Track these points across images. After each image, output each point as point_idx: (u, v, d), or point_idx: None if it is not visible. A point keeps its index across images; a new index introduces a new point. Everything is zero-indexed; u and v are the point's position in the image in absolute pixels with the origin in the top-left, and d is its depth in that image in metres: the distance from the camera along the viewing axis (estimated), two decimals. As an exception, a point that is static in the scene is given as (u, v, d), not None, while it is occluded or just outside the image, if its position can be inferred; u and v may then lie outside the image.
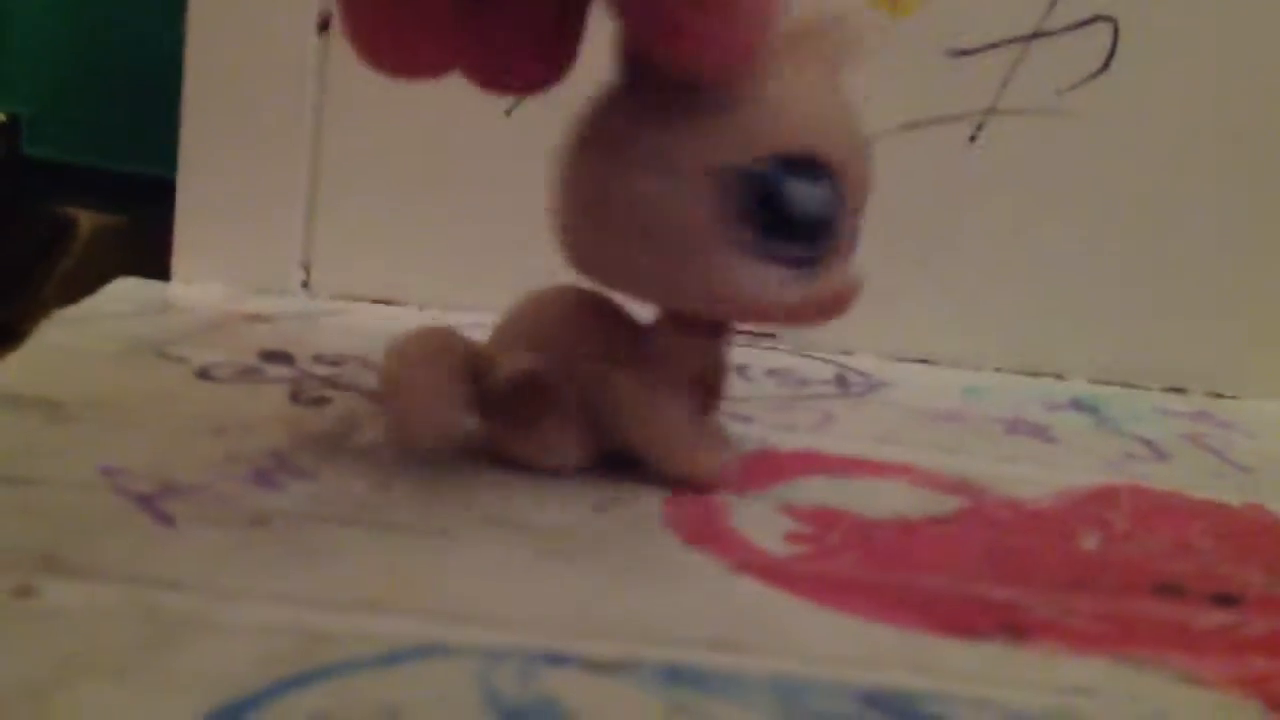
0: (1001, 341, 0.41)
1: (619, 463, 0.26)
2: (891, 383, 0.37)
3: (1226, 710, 0.19)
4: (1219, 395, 0.40)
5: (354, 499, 0.23)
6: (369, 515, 0.23)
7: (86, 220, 0.56)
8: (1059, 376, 0.41)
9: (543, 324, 0.26)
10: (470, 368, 0.25)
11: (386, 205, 0.39)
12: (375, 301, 0.39)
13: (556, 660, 0.18)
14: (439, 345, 0.25)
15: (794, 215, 0.23)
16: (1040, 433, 0.33)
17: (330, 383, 0.30)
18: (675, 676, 0.18)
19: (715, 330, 0.26)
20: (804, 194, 0.23)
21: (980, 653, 0.20)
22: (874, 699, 0.18)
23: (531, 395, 0.25)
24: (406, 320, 0.37)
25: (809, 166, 0.23)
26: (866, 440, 0.31)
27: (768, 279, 0.23)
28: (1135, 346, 0.41)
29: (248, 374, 0.30)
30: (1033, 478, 0.29)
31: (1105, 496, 0.29)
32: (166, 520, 0.22)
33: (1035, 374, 0.40)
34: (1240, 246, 0.41)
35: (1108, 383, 0.40)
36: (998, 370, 0.41)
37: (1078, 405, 0.37)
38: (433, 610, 0.20)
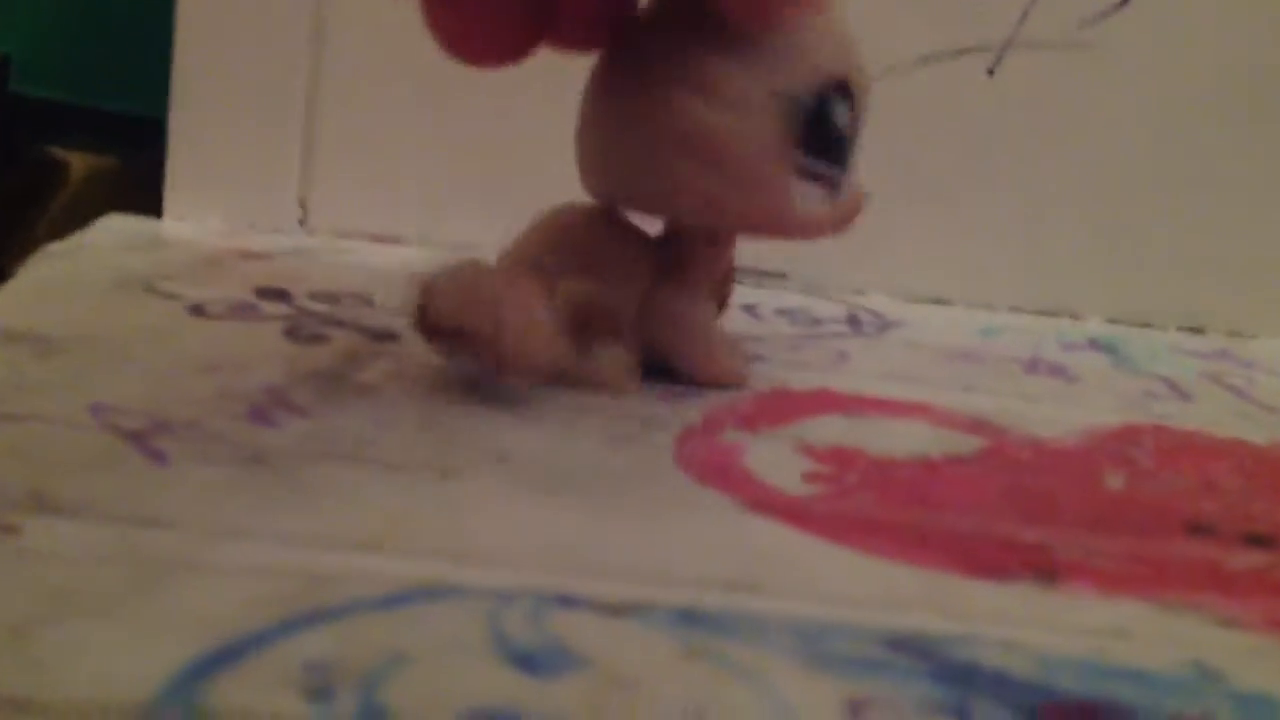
0: (1016, 281, 0.40)
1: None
2: (904, 322, 0.36)
3: (1266, 654, 0.18)
4: (1237, 334, 0.39)
5: (354, 437, 0.22)
6: (370, 453, 0.22)
7: (79, 161, 0.55)
8: (1075, 316, 0.40)
9: (580, 248, 0.26)
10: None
11: (386, 140, 0.38)
12: (375, 239, 0.38)
13: (567, 602, 0.18)
14: (510, 279, 0.25)
15: (834, 136, 0.25)
16: (1059, 372, 0.33)
17: (328, 320, 0.29)
18: (691, 619, 0.18)
19: (730, 238, 0.27)
20: (842, 116, 0.25)
21: (1009, 594, 0.19)
22: (899, 642, 0.18)
23: (596, 319, 0.26)
24: (407, 258, 0.36)
25: (844, 90, 0.24)
26: (882, 379, 0.30)
27: (810, 197, 0.25)
28: (1152, 286, 0.40)
29: (242, 310, 0.29)
30: (1054, 417, 0.28)
31: (1128, 436, 0.28)
32: (158, 458, 0.21)
33: (1051, 314, 0.39)
34: (1260, 184, 0.40)
35: (1125, 323, 0.39)
36: (1012, 310, 0.40)
37: (1095, 345, 0.36)
38: (438, 550, 0.19)
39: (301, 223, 0.38)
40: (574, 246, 0.26)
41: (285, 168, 0.38)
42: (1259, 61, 0.39)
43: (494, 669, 0.16)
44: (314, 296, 0.31)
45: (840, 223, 0.26)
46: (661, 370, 0.27)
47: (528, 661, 0.16)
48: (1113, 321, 0.40)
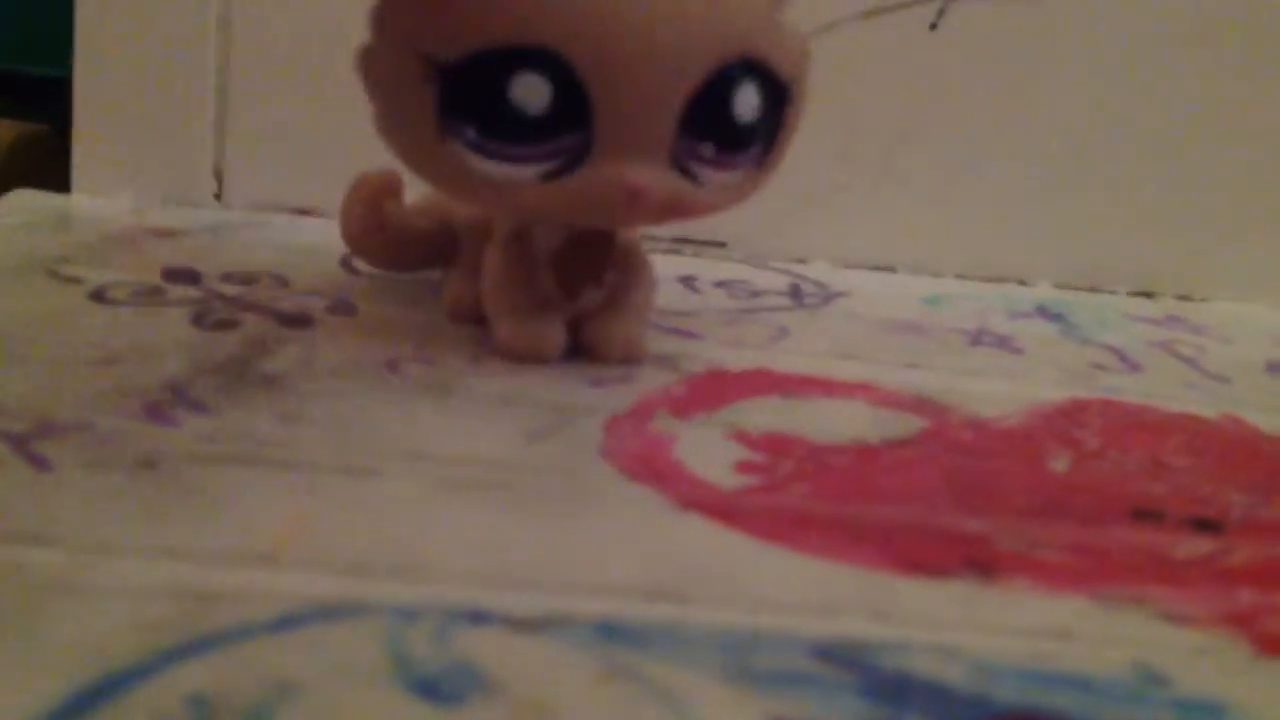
0: (963, 246, 0.39)
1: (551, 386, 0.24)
2: (848, 292, 0.35)
3: (1213, 653, 0.18)
4: (1189, 299, 0.39)
5: (257, 435, 0.21)
6: (273, 453, 0.21)
7: (6, 130, 0.53)
8: (1023, 282, 0.39)
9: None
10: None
11: (306, 105, 0.36)
12: (295, 212, 0.37)
13: (478, 618, 0.16)
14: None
15: (514, 114, 0.21)
16: (1005, 343, 0.32)
17: (239, 304, 0.28)
18: (610, 633, 0.16)
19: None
20: (530, 93, 0.21)
21: (946, 594, 0.18)
22: (829, 651, 0.17)
23: (440, 245, 0.29)
24: (328, 233, 0.35)
25: (548, 63, 0.21)
26: (822, 356, 0.29)
27: (504, 173, 0.22)
28: (1102, 249, 0.39)
29: (148, 295, 0.28)
30: (998, 393, 0.27)
31: (1074, 412, 0.27)
32: (39, 464, 0.19)
33: (998, 280, 0.39)
34: (1212, 143, 0.39)
35: (1074, 288, 0.39)
36: (959, 277, 0.39)
37: (1043, 312, 0.35)
38: (339, 563, 0.17)
39: (217, 197, 0.36)
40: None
41: (199, 138, 0.36)
42: (1208, 16, 0.38)
43: (394, 699, 0.15)
44: (226, 278, 0.29)
45: (565, 208, 0.23)
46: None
47: (431, 689, 0.15)
48: (1061, 287, 0.39)
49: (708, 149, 0.23)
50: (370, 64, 0.23)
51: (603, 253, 0.26)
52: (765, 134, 0.24)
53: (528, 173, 0.22)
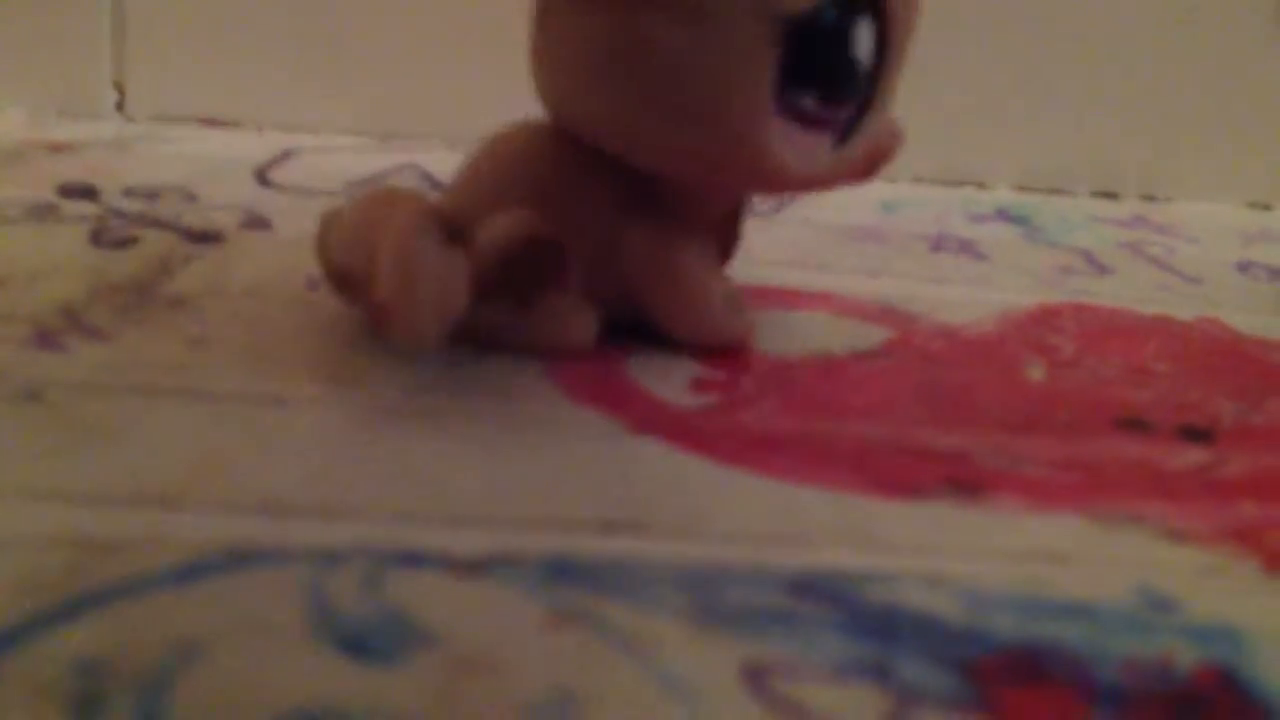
0: (918, 150, 0.37)
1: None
2: (800, 199, 0.33)
3: (1221, 572, 0.16)
4: (1153, 198, 0.37)
5: (159, 362, 0.19)
6: (177, 381, 0.18)
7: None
8: (981, 185, 0.37)
9: (528, 176, 0.21)
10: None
11: (213, 7, 0.33)
12: (203, 123, 0.34)
13: (411, 560, 0.15)
14: (421, 210, 0.18)
15: (845, 67, 0.19)
16: (968, 248, 0.30)
17: (141, 220, 0.25)
18: (561, 572, 0.15)
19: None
20: (865, 39, 0.19)
21: (927, 516, 0.17)
22: (805, 585, 0.15)
23: (532, 261, 0.20)
24: (241, 145, 0.32)
25: (874, 6, 0.19)
26: (778, 265, 0.27)
27: (811, 147, 0.19)
28: (1061, 148, 0.37)
29: (40, 212, 0.25)
30: (965, 300, 0.26)
31: (1046, 318, 0.25)
32: (-93, 401, 0.17)
33: (956, 183, 0.37)
34: (1173, 38, 0.37)
35: (1034, 189, 0.37)
36: (916, 180, 0.37)
37: (1004, 215, 0.34)
38: (252, 502, 0.15)
39: (119, 107, 0.34)
40: (526, 176, 0.20)
41: (95, 44, 0.33)
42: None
43: (315, 657, 0.13)
44: (128, 193, 0.27)
45: (849, 175, 0.21)
46: (634, 328, 0.21)
47: (358, 644, 0.13)
48: (1021, 189, 0.37)
49: None
50: (658, 31, 0.18)
51: (739, 218, 0.23)
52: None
53: (818, 140, 0.19)
